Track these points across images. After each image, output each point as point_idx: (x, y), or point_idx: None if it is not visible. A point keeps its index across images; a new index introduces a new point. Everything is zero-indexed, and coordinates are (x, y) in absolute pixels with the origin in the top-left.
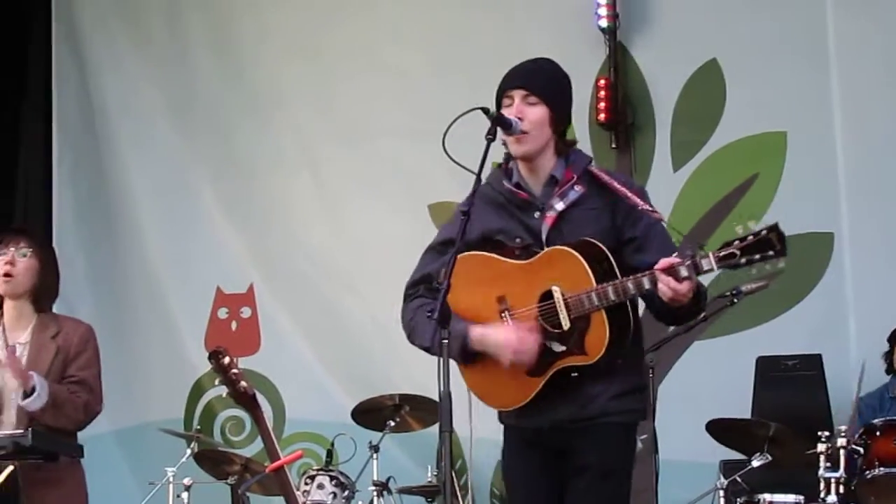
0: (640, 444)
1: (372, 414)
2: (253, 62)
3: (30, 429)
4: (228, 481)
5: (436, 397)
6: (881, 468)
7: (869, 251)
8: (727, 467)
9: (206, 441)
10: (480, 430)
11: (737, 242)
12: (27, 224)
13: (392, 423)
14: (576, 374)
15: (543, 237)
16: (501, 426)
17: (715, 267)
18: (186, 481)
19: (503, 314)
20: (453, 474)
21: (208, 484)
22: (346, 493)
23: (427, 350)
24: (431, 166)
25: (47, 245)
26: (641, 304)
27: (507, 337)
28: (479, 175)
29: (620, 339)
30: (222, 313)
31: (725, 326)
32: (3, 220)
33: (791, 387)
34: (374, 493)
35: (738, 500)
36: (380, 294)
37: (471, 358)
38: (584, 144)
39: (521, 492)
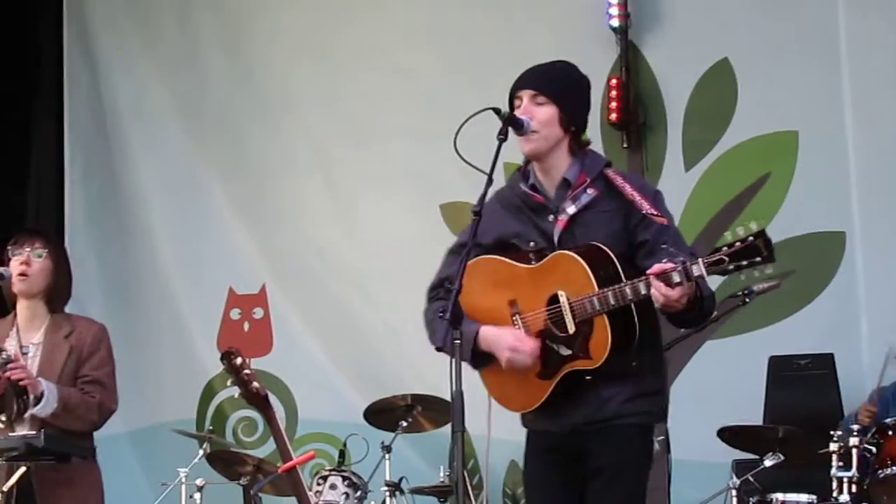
0: (656, 446)
1: (384, 414)
2: (263, 63)
3: (42, 430)
4: (241, 482)
5: (448, 397)
6: (894, 467)
7: (881, 250)
8: (739, 467)
9: (218, 442)
10: (493, 430)
11: (725, 248)
12: (39, 224)
13: (404, 424)
14: (590, 378)
15: (555, 240)
16: (515, 427)
17: (704, 273)
18: (199, 482)
19: (514, 318)
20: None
21: (221, 485)
22: (359, 493)
23: (440, 350)
24: (443, 167)
25: (61, 246)
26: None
27: (504, 337)
28: (490, 176)
29: (625, 343)
30: (235, 314)
31: (738, 326)
32: (16, 220)
33: (803, 386)
34: (387, 494)
35: (751, 499)
36: (392, 294)
37: (481, 359)
38: (596, 145)
39: (539, 501)
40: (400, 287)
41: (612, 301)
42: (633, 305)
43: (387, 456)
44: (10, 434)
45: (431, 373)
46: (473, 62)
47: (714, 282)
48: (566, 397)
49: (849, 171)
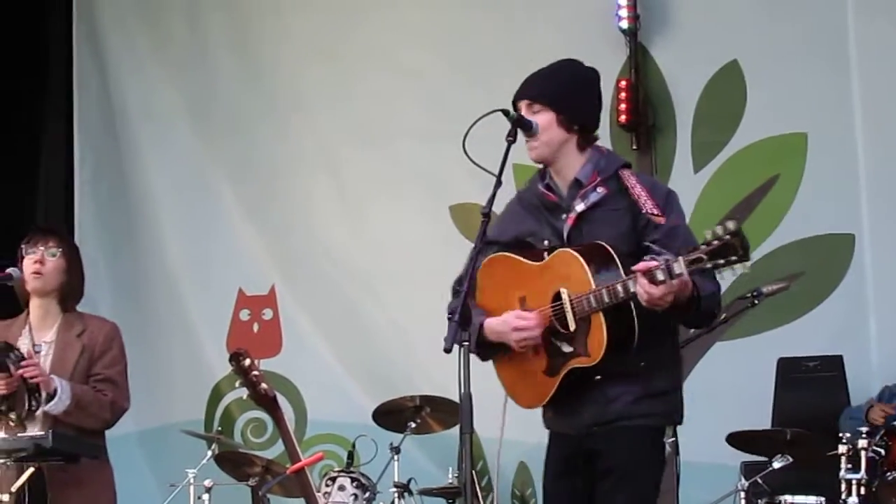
0: (668, 448)
1: (393, 415)
2: (273, 64)
3: (50, 430)
4: (249, 483)
5: (456, 399)
6: None
7: (890, 252)
8: (748, 469)
9: (226, 443)
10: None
11: (703, 247)
12: (53, 223)
13: (413, 425)
14: (599, 378)
15: (565, 238)
16: (524, 428)
17: (685, 271)
18: (207, 483)
19: None
20: (474, 475)
21: (229, 486)
22: (367, 494)
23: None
24: (452, 168)
25: (74, 245)
26: None
27: (507, 320)
28: (499, 177)
29: (624, 342)
30: (244, 315)
31: (746, 328)
32: (26, 220)
33: (812, 388)
34: (395, 495)
35: (759, 501)
36: (401, 295)
37: (490, 350)
38: (605, 146)
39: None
40: (409, 288)
41: (606, 298)
42: (632, 304)
43: (395, 457)
44: (19, 435)
45: (440, 374)
46: (483, 64)
47: (723, 283)
48: (574, 395)
49: (858, 174)
